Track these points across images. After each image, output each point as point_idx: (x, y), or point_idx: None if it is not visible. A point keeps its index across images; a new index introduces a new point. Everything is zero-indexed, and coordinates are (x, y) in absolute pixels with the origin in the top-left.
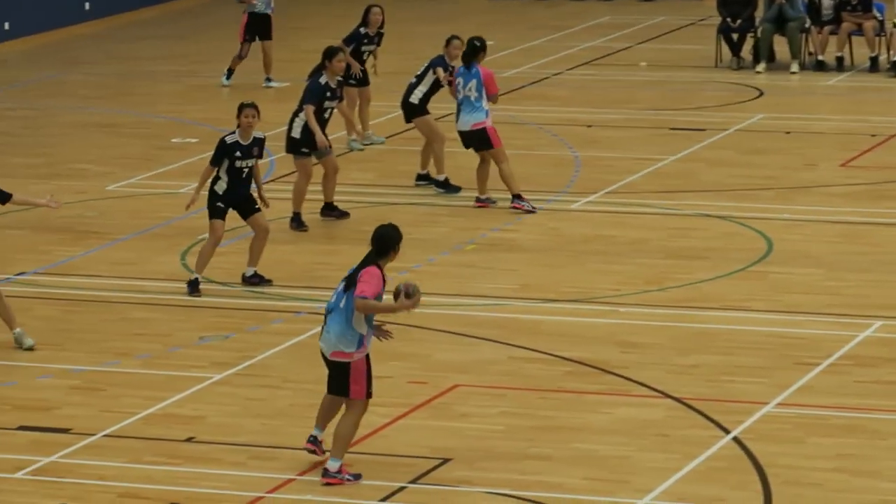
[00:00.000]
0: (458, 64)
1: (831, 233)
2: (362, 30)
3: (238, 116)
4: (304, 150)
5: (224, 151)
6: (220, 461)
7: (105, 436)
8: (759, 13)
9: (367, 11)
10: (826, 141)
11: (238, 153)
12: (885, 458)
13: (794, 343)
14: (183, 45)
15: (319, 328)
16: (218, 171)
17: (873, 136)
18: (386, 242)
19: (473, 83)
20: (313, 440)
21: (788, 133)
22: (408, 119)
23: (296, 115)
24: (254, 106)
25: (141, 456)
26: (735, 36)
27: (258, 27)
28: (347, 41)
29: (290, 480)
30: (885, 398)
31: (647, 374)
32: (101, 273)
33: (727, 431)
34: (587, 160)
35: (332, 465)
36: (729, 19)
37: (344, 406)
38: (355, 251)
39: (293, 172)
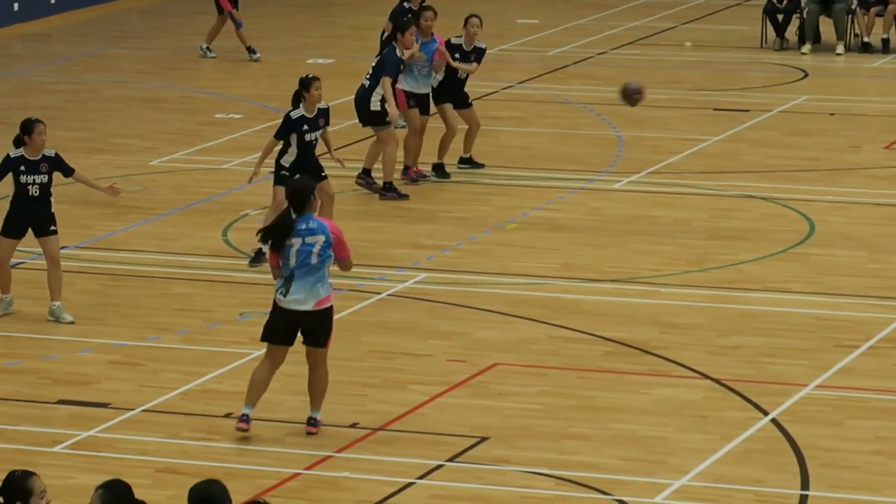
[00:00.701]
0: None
1: (874, 215)
2: (406, 4)
3: (306, 90)
4: (387, 120)
5: (291, 127)
6: (258, 438)
7: (144, 411)
8: None
9: None
10: (870, 123)
11: (306, 126)
12: None
13: (835, 325)
14: (229, 22)
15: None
16: (285, 144)
17: None
18: (299, 196)
19: None
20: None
21: (832, 115)
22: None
23: (371, 89)
24: (319, 79)
25: (179, 431)
26: (780, 17)
27: None
28: (394, 16)
29: (328, 457)
30: None
31: (687, 355)
32: (143, 248)
33: (766, 413)
34: (630, 140)
35: (318, 416)
36: (775, 0)
37: (313, 361)
38: (399, 228)
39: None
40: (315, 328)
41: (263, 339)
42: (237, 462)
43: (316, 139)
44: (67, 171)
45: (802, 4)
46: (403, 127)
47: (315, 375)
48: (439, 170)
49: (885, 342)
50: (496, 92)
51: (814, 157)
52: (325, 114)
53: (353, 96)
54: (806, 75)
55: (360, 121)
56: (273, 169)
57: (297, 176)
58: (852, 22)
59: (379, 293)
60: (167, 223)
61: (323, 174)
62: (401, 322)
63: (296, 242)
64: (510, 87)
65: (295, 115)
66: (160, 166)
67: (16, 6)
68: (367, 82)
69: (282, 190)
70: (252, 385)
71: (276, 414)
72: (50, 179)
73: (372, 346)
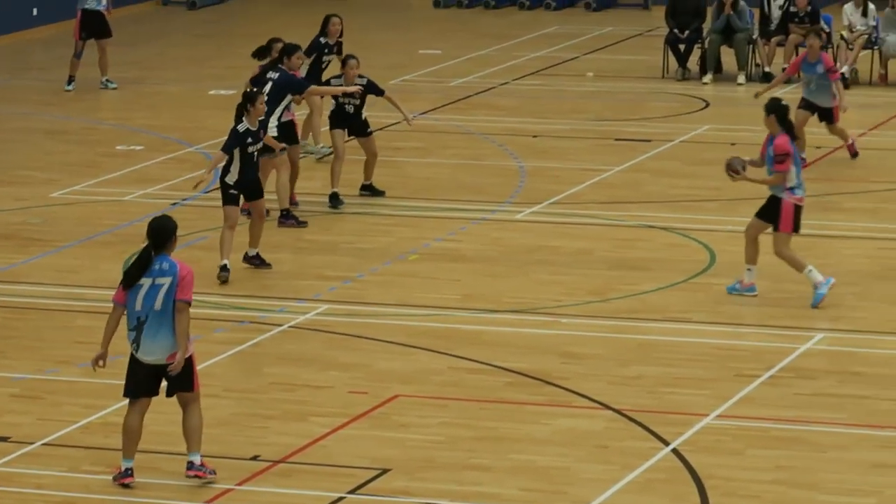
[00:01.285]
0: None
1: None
2: (322, 39)
3: (251, 104)
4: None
5: (237, 139)
6: (159, 470)
7: (44, 444)
8: (707, 24)
9: (327, 21)
10: None
11: (250, 139)
12: (823, 471)
13: (736, 355)
14: (130, 52)
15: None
16: (228, 160)
17: (818, 147)
18: (162, 235)
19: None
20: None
21: (734, 144)
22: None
23: (268, 115)
24: (263, 93)
25: (80, 465)
26: (682, 47)
27: (93, 25)
28: (308, 52)
29: (228, 490)
30: (824, 410)
31: (588, 386)
32: (43, 281)
33: (666, 443)
34: (532, 170)
35: (197, 459)
36: (676, 30)
37: (185, 400)
38: (300, 260)
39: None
40: (177, 377)
41: (126, 395)
42: (139, 496)
43: (257, 152)
44: None
45: (704, 35)
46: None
47: (187, 415)
48: (334, 199)
49: (785, 371)
50: (398, 122)
51: (715, 187)
52: (264, 124)
53: None
54: (707, 105)
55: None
56: (218, 187)
57: (162, 214)
58: (753, 52)
59: (280, 325)
60: (68, 255)
61: (261, 191)
62: (302, 354)
63: (146, 283)
64: (412, 117)
65: (241, 128)
66: (61, 198)
67: None
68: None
69: (234, 209)
70: (126, 437)
71: (179, 447)
72: None
73: (273, 378)
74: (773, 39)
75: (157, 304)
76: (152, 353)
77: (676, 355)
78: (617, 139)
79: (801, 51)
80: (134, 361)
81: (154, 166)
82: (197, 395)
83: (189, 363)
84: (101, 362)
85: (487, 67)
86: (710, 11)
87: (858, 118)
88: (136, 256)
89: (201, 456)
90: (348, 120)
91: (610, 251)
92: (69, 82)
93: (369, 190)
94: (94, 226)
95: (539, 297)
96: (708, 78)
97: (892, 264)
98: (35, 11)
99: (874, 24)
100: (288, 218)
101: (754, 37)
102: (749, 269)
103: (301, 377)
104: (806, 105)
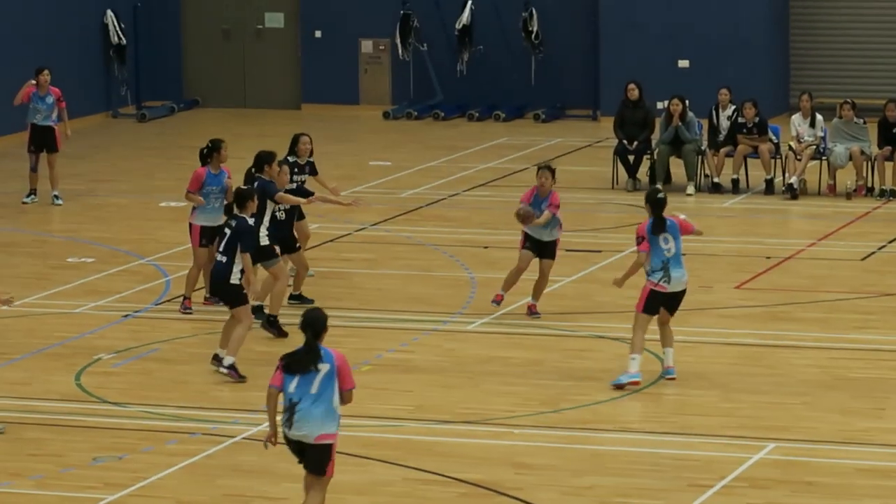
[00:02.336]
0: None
1: (727, 354)
2: (290, 158)
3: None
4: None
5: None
6: None
7: None
8: (656, 135)
9: (296, 140)
10: (721, 263)
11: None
12: None
13: (689, 465)
14: (80, 165)
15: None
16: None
17: (768, 258)
18: (320, 324)
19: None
20: None
21: (684, 255)
22: (258, 260)
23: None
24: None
25: None
26: (631, 158)
27: (42, 139)
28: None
29: None
30: None
31: (542, 496)
32: None
33: None
34: (483, 281)
35: None
36: (625, 141)
37: (310, 483)
38: (254, 371)
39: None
40: (314, 460)
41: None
42: None
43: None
44: None
45: (653, 146)
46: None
47: (308, 498)
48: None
49: (737, 481)
50: (349, 234)
51: None
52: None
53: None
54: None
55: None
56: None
57: (313, 307)
58: (702, 163)
59: (233, 436)
60: (19, 368)
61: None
62: (255, 465)
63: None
64: (363, 228)
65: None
66: (12, 311)
67: None
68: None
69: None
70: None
71: None
72: None
73: (226, 490)
74: (722, 150)
75: (314, 389)
76: (300, 430)
77: (629, 466)
78: (567, 250)
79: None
80: (285, 438)
81: (105, 278)
82: (325, 482)
83: (329, 450)
84: (273, 440)
85: (437, 178)
86: (658, 122)
87: (808, 228)
88: (304, 349)
89: None
90: (280, 234)
91: (562, 362)
92: (29, 195)
93: (298, 299)
94: (45, 338)
95: (491, 408)
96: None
97: (842, 374)
98: None
99: (822, 134)
100: (273, 326)
101: (703, 147)
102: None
103: (254, 489)
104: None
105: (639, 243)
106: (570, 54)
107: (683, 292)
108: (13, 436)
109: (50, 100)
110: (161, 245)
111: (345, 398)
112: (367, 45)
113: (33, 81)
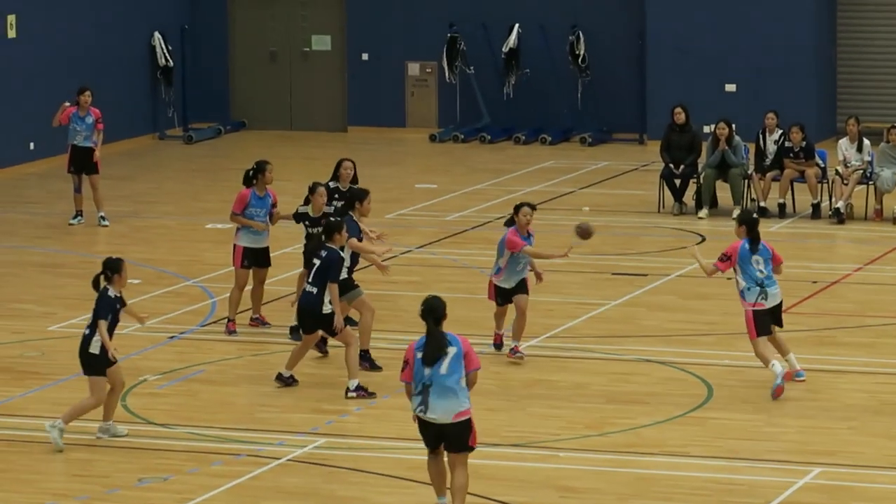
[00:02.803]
0: None
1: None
2: (332, 184)
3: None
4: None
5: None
6: None
7: None
8: (702, 159)
9: (339, 165)
10: None
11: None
12: None
13: (733, 489)
14: (127, 186)
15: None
16: None
17: (814, 282)
18: (439, 311)
19: None
20: None
21: (730, 279)
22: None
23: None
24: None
25: None
26: (678, 181)
27: (82, 160)
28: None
29: None
30: None
31: None
32: (41, 413)
33: None
34: (530, 304)
35: None
36: (672, 165)
37: (454, 461)
38: (299, 393)
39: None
40: (455, 437)
41: (427, 447)
42: None
43: None
44: None
45: (699, 170)
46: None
47: (455, 474)
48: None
49: None
50: (395, 256)
51: (711, 322)
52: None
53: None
54: (703, 239)
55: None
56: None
57: (430, 296)
58: (749, 187)
59: (278, 458)
60: (66, 388)
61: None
62: (300, 487)
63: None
64: (409, 251)
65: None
66: (58, 332)
67: None
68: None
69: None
70: (433, 478)
71: None
72: None
73: None
74: (768, 174)
75: (443, 370)
76: (435, 413)
77: (674, 489)
78: (613, 273)
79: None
80: (421, 422)
81: (151, 300)
82: (466, 457)
83: (468, 424)
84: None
85: (483, 202)
86: (704, 146)
87: (854, 253)
88: (429, 338)
89: None
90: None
91: (607, 385)
92: (75, 216)
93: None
94: None
95: (537, 431)
96: (703, 213)
97: (889, 399)
98: (32, 146)
99: (869, 159)
100: (364, 360)
101: (750, 172)
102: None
103: None
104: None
105: (722, 260)
106: (616, 78)
107: (781, 303)
108: (59, 456)
109: (90, 120)
110: (207, 267)
111: (471, 379)
112: (413, 68)
113: (67, 103)
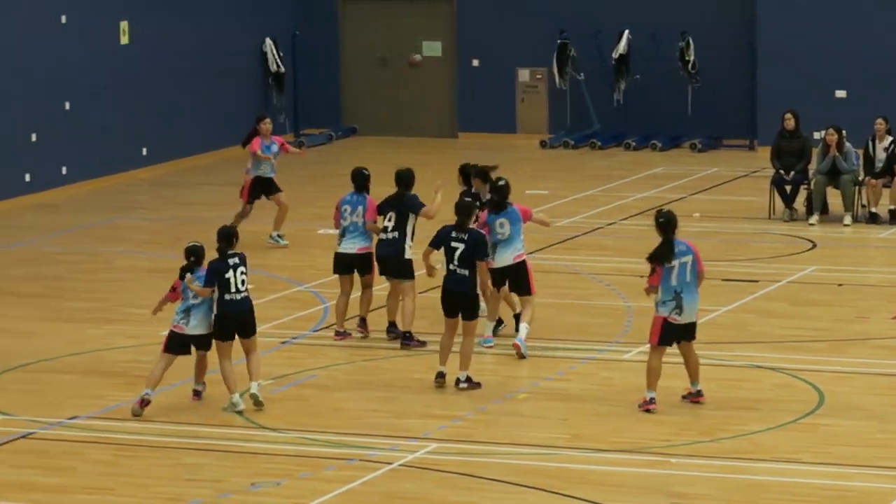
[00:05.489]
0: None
1: (883, 385)
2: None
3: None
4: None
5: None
6: None
7: None
8: (813, 165)
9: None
10: (878, 293)
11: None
12: None
13: (844, 496)
14: (237, 192)
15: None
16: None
17: None
18: (673, 224)
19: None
20: None
21: (840, 285)
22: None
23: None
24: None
25: None
26: (788, 188)
27: (263, 188)
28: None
29: None
30: None
31: None
32: (154, 418)
33: None
34: (640, 310)
35: None
36: (782, 171)
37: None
38: (410, 398)
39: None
40: (693, 331)
41: (660, 343)
42: None
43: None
44: None
45: (810, 176)
46: None
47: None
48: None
49: None
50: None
51: (822, 328)
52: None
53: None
54: (814, 246)
55: (386, 271)
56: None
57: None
58: (859, 193)
59: (390, 463)
60: (179, 393)
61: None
62: (411, 493)
63: (676, 264)
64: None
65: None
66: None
67: (27, 177)
68: (395, 234)
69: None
70: (650, 375)
71: None
72: None
73: None
74: (880, 181)
75: (688, 277)
76: (689, 316)
77: (785, 496)
78: (724, 279)
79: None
80: (672, 328)
81: (263, 305)
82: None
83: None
84: None
85: (594, 207)
86: (815, 153)
87: None
88: (660, 246)
89: None
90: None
91: (717, 391)
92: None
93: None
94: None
95: (647, 437)
96: (814, 219)
97: None
98: (144, 151)
99: None
100: (410, 339)
101: (860, 178)
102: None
103: None
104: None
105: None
106: (726, 84)
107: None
108: (172, 460)
109: (275, 148)
110: (319, 272)
111: (699, 279)
112: (523, 74)
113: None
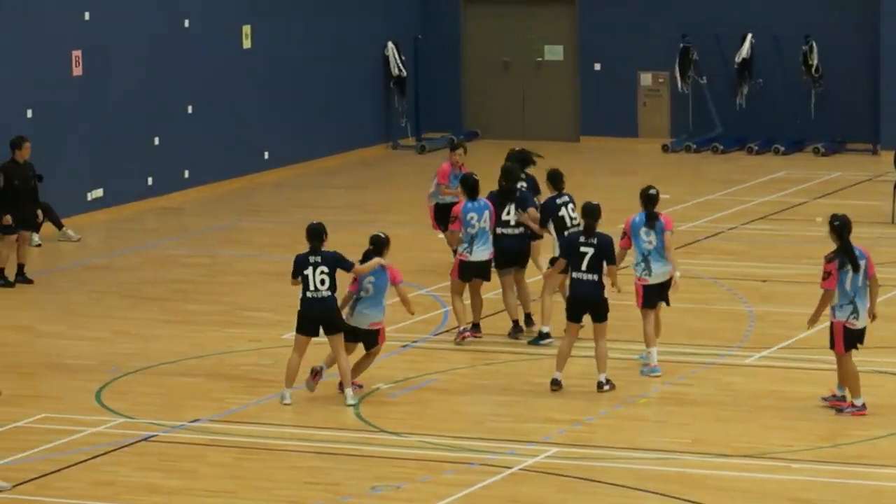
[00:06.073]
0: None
1: None
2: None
3: None
4: None
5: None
6: None
7: None
8: None
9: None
10: None
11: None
12: None
13: None
14: (359, 195)
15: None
16: None
17: None
18: (848, 228)
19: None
20: None
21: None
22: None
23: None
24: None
25: None
26: None
27: (445, 215)
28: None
29: None
30: None
31: None
32: (274, 421)
33: None
34: (762, 314)
35: None
36: None
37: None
38: (531, 402)
39: None
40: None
41: None
42: None
43: None
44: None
45: None
46: None
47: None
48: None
49: None
50: (626, 266)
51: None
52: None
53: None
54: None
55: (514, 263)
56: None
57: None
58: None
59: (510, 467)
60: (299, 396)
61: None
62: (531, 497)
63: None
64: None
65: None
66: (292, 340)
67: (150, 180)
68: (522, 228)
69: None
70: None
71: None
72: None
73: None
74: None
75: (860, 282)
76: (863, 321)
77: None
78: None
79: None
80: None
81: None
82: None
83: None
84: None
85: (716, 211)
86: None
87: None
88: (840, 250)
89: None
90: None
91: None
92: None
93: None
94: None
95: (769, 442)
96: None
97: None
98: (266, 155)
99: None
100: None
101: None
102: None
103: None
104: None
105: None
106: (850, 88)
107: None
108: (293, 463)
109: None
110: (439, 276)
111: (872, 285)
112: (645, 78)
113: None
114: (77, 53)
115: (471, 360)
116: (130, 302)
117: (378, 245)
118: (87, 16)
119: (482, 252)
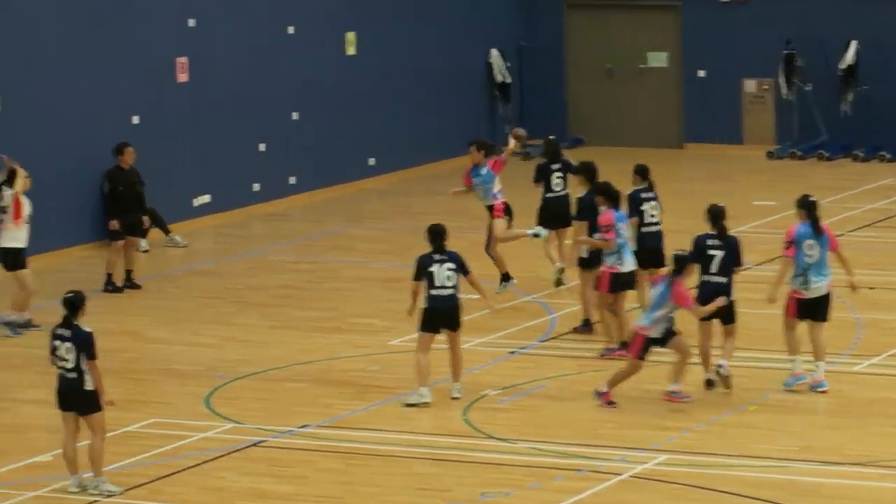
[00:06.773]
0: None
1: None
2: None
3: None
4: None
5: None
6: None
7: None
8: None
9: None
10: None
11: None
12: None
13: None
14: (463, 201)
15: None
16: None
17: None
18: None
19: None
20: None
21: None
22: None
23: None
24: None
25: None
26: None
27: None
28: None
29: None
30: None
31: None
32: (383, 427)
33: None
34: (870, 322)
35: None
36: None
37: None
38: (640, 409)
39: None
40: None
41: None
42: None
43: None
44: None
45: None
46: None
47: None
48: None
49: None
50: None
51: None
52: None
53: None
54: None
55: (655, 264)
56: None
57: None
58: None
59: (619, 474)
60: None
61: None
62: None
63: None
64: (748, 268)
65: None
66: (400, 346)
67: (255, 186)
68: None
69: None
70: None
71: None
72: None
73: None
74: None
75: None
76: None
77: None
78: None
79: None
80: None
81: (491, 315)
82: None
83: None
84: None
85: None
86: None
87: None
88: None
89: None
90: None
91: None
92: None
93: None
94: (432, 374)
95: (880, 450)
96: None
97: None
98: (372, 161)
99: None
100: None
101: None
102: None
103: None
104: None
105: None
106: None
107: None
108: (402, 469)
109: (483, 171)
110: (547, 283)
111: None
112: (749, 85)
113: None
114: (182, 60)
115: (579, 367)
116: (237, 307)
117: None
118: (191, 22)
119: (631, 262)
